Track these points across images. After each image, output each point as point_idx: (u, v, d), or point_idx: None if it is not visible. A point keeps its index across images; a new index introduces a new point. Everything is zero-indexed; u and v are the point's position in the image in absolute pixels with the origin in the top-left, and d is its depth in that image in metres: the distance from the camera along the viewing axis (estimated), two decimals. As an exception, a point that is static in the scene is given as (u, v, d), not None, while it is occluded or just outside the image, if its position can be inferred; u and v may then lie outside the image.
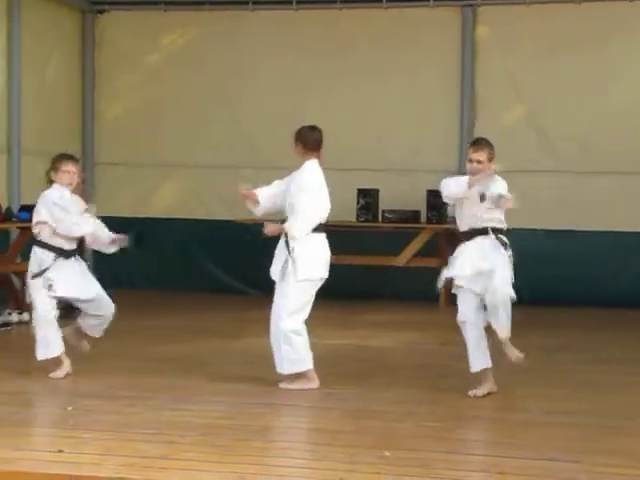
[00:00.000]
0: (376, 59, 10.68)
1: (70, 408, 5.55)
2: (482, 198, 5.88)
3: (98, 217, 11.40)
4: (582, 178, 10.34)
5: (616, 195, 10.15)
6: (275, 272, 6.16)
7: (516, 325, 7.68)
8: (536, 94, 10.43)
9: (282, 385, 6.14)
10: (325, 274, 6.19)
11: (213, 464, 4.43)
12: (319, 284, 6.18)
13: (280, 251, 6.16)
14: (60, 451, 4.59)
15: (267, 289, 10.80)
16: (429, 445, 4.82)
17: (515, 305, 6.61)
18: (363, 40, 10.72)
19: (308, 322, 6.18)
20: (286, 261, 6.09)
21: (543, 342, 8.08)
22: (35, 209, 6.56)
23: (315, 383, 6.14)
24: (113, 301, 7.03)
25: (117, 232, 6.69)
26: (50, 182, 6.54)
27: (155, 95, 11.21)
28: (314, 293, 6.16)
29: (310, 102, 10.75)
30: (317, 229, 6.16)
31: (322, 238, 6.21)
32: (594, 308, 9.90)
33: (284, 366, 6.12)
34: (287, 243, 6.11)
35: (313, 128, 6.29)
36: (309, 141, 6.23)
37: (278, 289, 6.17)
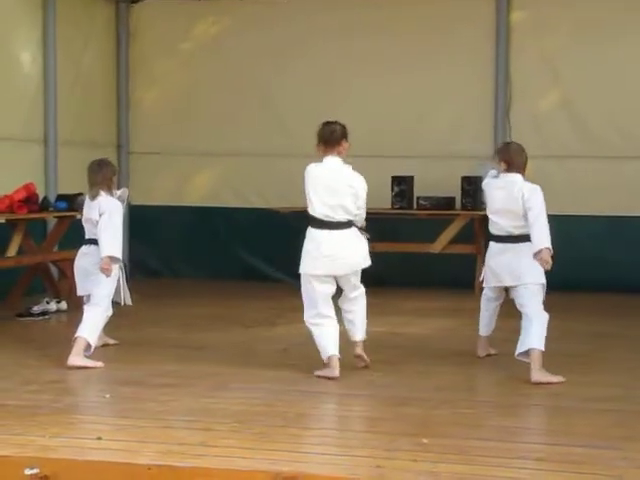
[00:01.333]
0: (410, 45, 10.62)
1: (108, 396, 5.60)
2: None
3: (134, 206, 11.62)
4: (620, 163, 10.24)
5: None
6: None
7: (557, 310, 7.66)
8: (572, 79, 10.32)
9: (315, 373, 6.16)
10: (314, 271, 6.03)
11: (249, 451, 4.44)
12: (313, 280, 6.05)
13: None
14: (99, 438, 4.63)
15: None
16: (466, 432, 4.81)
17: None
18: (397, 26, 10.66)
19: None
20: None
21: (583, 328, 8.02)
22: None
23: (332, 372, 6.03)
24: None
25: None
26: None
27: (189, 84, 11.23)
28: (316, 288, 6.05)
29: (344, 89, 10.73)
30: (313, 225, 6.10)
31: (317, 234, 6.08)
32: (636, 294, 9.79)
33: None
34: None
35: (328, 123, 6.19)
36: (321, 136, 6.15)
37: None
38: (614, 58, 10.19)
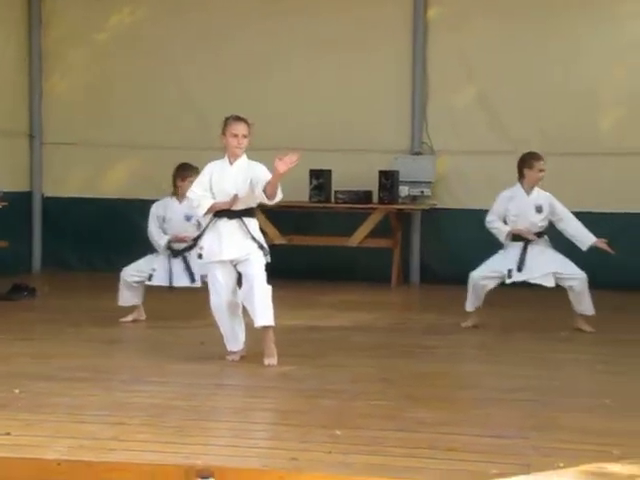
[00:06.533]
0: (327, 39, 10.62)
1: (17, 391, 5.48)
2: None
3: (47, 198, 11.45)
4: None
5: (568, 176, 10.21)
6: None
7: (485, 304, 7.76)
8: (488, 75, 10.46)
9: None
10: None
11: (162, 445, 4.41)
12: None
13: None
14: (7, 434, 4.53)
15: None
16: (380, 424, 4.84)
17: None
18: (314, 19, 10.67)
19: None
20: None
21: (497, 321, 8.11)
22: None
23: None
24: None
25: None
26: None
27: (105, 74, 11.07)
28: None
29: (262, 81, 10.71)
30: None
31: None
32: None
33: None
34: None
35: None
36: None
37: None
38: (529, 54, 10.35)
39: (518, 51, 10.37)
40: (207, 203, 6.26)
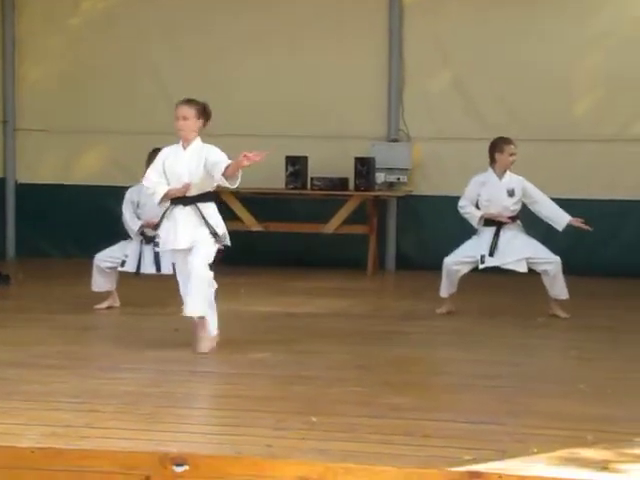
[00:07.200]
0: (302, 24, 10.58)
1: (-10, 378, 5.45)
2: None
3: (21, 184, 11.33)
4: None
5: (542, 162, 10.24)
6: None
7: (461, 290, 7.77)
8: (463, 59, 10.43)
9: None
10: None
11: (135, 432, 4.39)
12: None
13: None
14: (-21, 422, 4.50)
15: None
16: (355, 410, 4.84)
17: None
18: (290, 4, 10.60)
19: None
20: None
21: (474, 307, 8.12)
22: None
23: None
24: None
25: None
26: None
27: (78, 60, 10.96)
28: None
29: (237, 67, 10.64)
30: None
31: None
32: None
33: None
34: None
35: None
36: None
37: None
38: (504, 40, 10.33)
39: (493, 36, 10.35)
40: (162, 190, 6.18)
